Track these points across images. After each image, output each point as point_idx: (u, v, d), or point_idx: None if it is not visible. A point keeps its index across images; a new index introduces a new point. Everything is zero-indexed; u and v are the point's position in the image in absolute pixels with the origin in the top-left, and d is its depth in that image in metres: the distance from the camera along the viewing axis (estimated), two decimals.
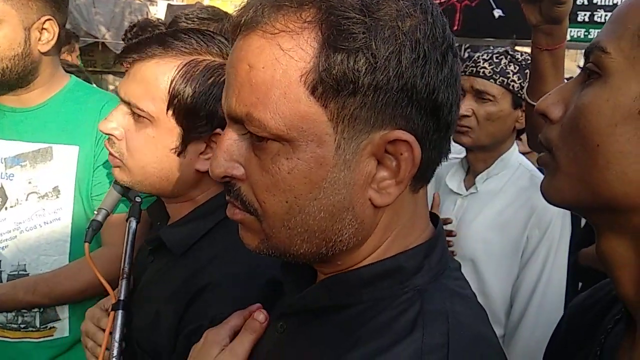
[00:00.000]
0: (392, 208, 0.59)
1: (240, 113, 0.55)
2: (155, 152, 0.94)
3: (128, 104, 0.94)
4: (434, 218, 0.67)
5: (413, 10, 0.54)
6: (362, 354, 0.55)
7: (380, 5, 0.53)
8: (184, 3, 7.75)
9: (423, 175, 0.60)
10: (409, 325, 0.56)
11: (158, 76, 0.92)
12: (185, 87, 0.91)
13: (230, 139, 0.59)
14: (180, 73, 0.92)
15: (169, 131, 0.93)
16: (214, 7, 2.14)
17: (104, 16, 6.95)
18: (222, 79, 0.93)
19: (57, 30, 1.35)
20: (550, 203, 0.67)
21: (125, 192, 1.09)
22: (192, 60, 0.93)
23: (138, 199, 1.10)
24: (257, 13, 0.54)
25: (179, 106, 0.91)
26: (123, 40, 3.20)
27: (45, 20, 1.32)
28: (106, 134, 0.96)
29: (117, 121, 0.95)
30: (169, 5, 6.38)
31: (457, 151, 1.85)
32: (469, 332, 0.57)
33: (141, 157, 0.94)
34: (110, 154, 0.96)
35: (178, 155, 0.94)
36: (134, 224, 1.08)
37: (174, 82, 0.91)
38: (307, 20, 0.53)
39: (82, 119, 1.38)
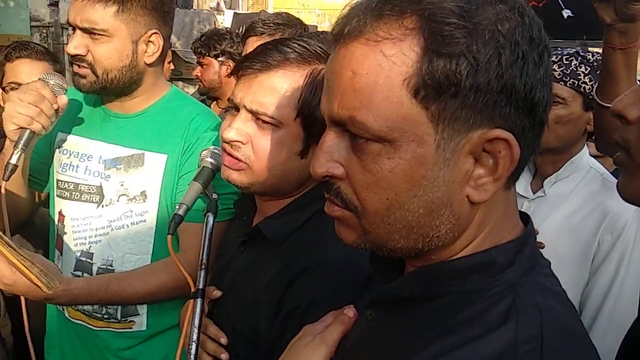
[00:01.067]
0: (486, 205, 0.61)
1: (343, 116, 0.59)
2: (281, 154, 1.02)
3: (254, 112, 1.00)
4: (524, 216, 0.69)
5: (511, 14, 0.56)
6: (453, 342, 0.56)
7: (479, 10, 0.55)
8: (249, 11, 7.98)
9: (516, 172, 0.61)
10: (501, 316, 0.57)
11: (288, 86, 0.99)
12: (313, 95, 0.99)
13: (331, 141, 0.63)
14: (308, 82, 0.99)
15: (295, 136, 1.01)
16: (288, 14, 2.24)
17: (174, 26, 7.25)
18: None
19: (161, 43, 1.43)
20: (627, 201, 0.67)
21: (204, 189, 1.17)
22: (314, 70, 1.01)
23: (215, 196, 1.18)
24: (359, 23, 0.58)
25: (307, 114, 0.99)
26: (192, 49, 3.36)
27: (152, 34, 1.40)
28: (231, 141, 1.02)
29: (239, 128, 1.01)
30: (235, 14, 6.59)
31: None
32: (562, 326, 0.58)
33: (268, 160, 1.01)
34: (236, 157, 1.03)
35: (301, 157, 1.02)
36: (211, 219, 1.15)
37: (304, 92, 0.99)
38: (409, 27, 0.55)
39: (173, 129, 1.45)
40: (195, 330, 1.03)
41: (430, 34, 0.55)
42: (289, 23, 2.04)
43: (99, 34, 1.34)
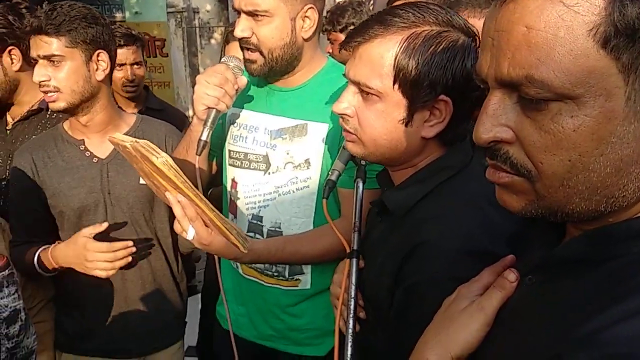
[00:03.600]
0: None
1: (515, 76, 0.56)
2: (385, 125, 1.01)
3: (357, 83, 1.01)
4: None
5: None
6: (633, 307, 0.52)
7: None
8: None
9: None
10: None
11: (383, 54, 0.97)
12: (409, 60, 0.96)
13: (497, 103, 0.60)
14: (402, 48, 0.96)
15: (396, 104, 0.99)
16: None
17: None
18: (441, 47, 0.97)
19: (317, 17, 1.48)
20: None
21: (352, 156, 1.19)
22: (412, 34, 0.97)
23: (363, 162, 1.21)
24: None
25: (404, 79, 0.97)
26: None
27: (308, 9, 1.46)
28: (339, 114, 1.06)
29: (348, 101, 1.03)
30: None
31: None
32: None
33: (372, 131, 1.02)
34: (345, 130, 1.07)
35: (406, 125, 1.00)
36: (360, 185, 1.19)
37: (397, 58, 0.97)
38: None
39: (333, 99, 1.46)
40: (353, 287, 1.09)
41: None
42: None
43: (261, 15, 1.42)
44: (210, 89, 1.42)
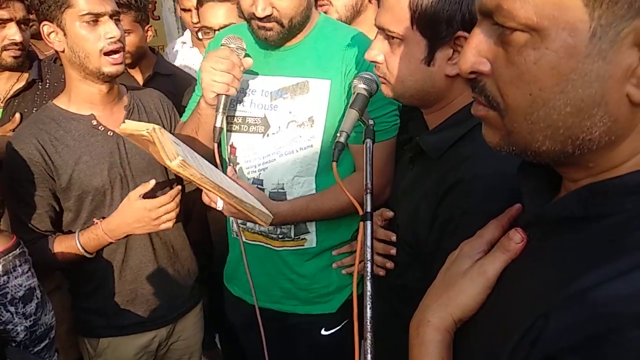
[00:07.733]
0: None
1: (490, 5, 0.57)
2: (409, 66, 1.05)
3: (383, 30, 1.06)
4: None
5: None
6: (627, 265, 0.49)
7: None
8: None
9: None
10: None
11: None
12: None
13: (479, 35, 0.60)
14: None
15: (417, 44, 1.03)
16: None
17: None
18: None
19: None
20: None
21: (359, 116, 1.21)
22: None
23: (371, 122, 1.21)
24: None
25: (420, 19, 1.01)
26: None
27: None
28: (371, 61, 1.09)
29: (378, 48, 1.08)
30: None
31: None
32: None
33: (399, 73, 1.06)
34: (379, 76, 1.11)
35: (428, 64, 1.04)
36: (370, 144, 1.18)
37: None
38: None
39: (332, 55, 1.50)
40: (369, 250, 1.08)
41: None
42: None
43: None
44: (219, 76, 1.40)
